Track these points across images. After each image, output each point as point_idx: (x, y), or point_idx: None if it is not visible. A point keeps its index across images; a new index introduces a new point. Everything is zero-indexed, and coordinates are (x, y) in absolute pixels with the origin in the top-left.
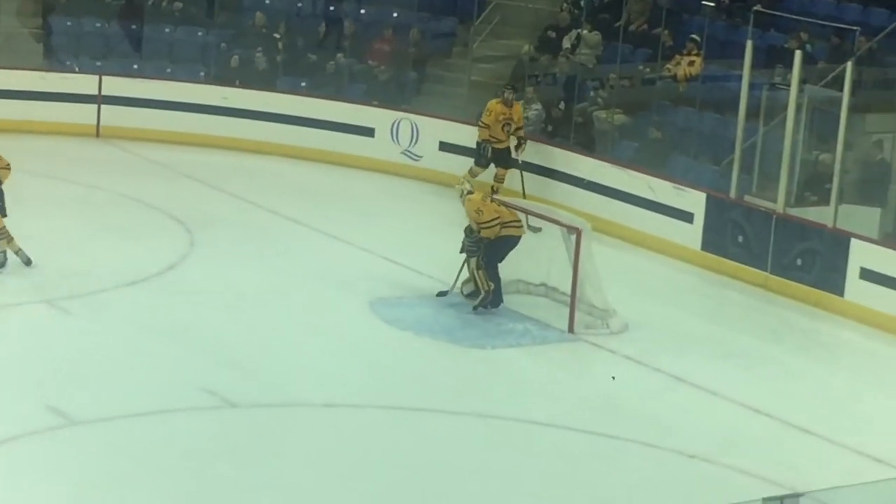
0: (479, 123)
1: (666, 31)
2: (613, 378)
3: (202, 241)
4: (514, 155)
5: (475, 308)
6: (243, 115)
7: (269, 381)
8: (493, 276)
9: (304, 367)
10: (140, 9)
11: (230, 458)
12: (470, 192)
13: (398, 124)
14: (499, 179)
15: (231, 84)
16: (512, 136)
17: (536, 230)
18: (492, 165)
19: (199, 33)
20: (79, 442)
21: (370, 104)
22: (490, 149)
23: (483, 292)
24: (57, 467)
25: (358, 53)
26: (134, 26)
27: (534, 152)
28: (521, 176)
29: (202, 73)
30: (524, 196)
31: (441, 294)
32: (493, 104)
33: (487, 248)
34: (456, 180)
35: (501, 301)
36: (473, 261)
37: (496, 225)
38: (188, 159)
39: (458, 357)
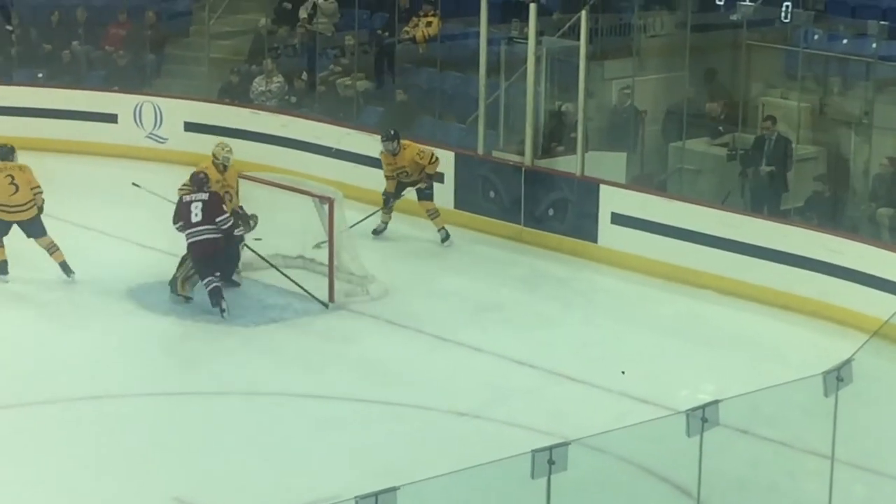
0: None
1: None
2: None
3: None
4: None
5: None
6: None
7: (31, 378)
8: None
9: (64, 360)
10: None
11: (1, 458)
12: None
13: (140, 108)
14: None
15: None
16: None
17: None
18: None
19: None
20: None
21: (111, 90)
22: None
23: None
24: None
25: (93, 40)
26: None
27: (279, 125)
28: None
29: None
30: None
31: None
32: (382, 157)
33: None
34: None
35: None
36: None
37: None
38: None
39: (222, 337)
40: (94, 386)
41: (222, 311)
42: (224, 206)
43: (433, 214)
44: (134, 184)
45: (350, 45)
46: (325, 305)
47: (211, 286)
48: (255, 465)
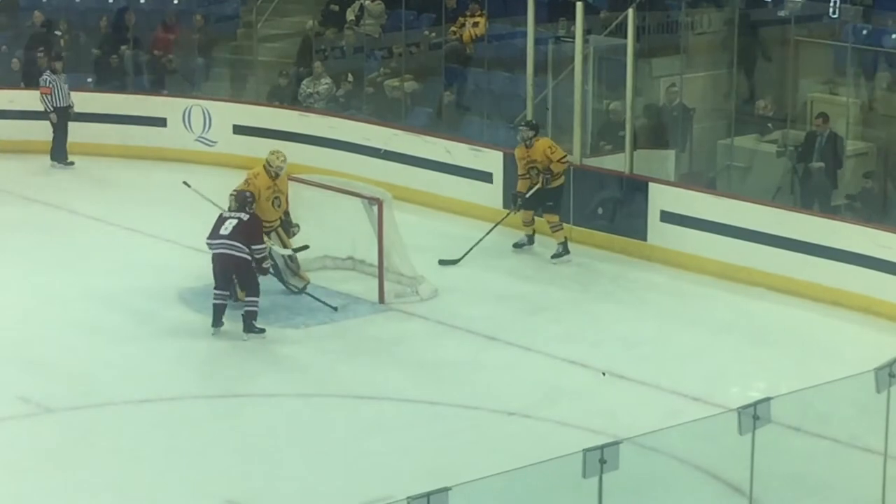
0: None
1: None
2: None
3: (1, 246)
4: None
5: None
6: (31, 116)
7: (83, 382)
8: None
9: (116, 364)
10: None
11: (54, 462)
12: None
13: (189, 111)
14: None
15: (16, 86)
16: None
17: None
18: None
19: None
20: None
21: (160, 94)
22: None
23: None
24: None
25: (142, 44)
26: None
27: (327, 126)
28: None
29: None
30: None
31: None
32: (516, 151)
33: None
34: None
35: None
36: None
37: None
38: None
39: (273, 338)
40: (146, 390)
41: (213, 327)
42: (263, 235)
43: (555, 227)
44: (185, 183)
45: (397, 47)
46: (335, 309)
47: (216, 301)
48: (308, 466)
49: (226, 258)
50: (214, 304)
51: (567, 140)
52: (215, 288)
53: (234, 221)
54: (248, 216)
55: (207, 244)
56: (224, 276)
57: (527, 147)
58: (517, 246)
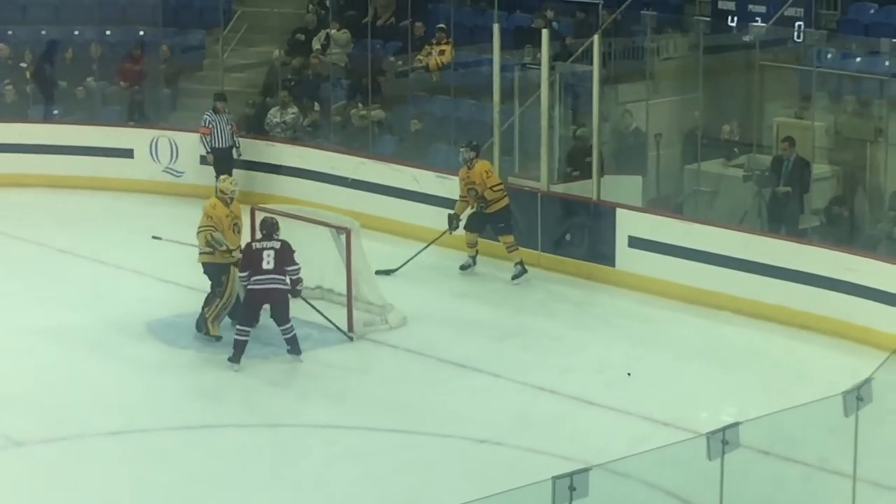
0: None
1: (414, 23)
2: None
3: None
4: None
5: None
6: None
7: (52, 415)
8: None
9: (86, 396)
10: None
11: (25, 496)
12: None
13: (156, 142)
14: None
15: None
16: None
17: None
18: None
19: None
20: None
21: (126, 125)
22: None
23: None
24: None
25: (108, 76)
26: None
27: (294, 156)
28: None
29: None
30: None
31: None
32: (460, 172)
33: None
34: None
35: None
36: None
37: None
38: None
39: (242, 369)
40: (116, 421)
41: (230, 360)
42: (295, 256)
43: (511, 248)
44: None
45: (364, 76)
46: (350, 338)
47: (241, 337)
48: (278, 496)
49: (270, 293)
50: (239, 340)
51: (534, 167)
52: (240, 324)
53: (272, 252)
54: (279, 243)
55: (253, 281)
56: (256, 311)
57: (468, 168)
58: (463, 268)
